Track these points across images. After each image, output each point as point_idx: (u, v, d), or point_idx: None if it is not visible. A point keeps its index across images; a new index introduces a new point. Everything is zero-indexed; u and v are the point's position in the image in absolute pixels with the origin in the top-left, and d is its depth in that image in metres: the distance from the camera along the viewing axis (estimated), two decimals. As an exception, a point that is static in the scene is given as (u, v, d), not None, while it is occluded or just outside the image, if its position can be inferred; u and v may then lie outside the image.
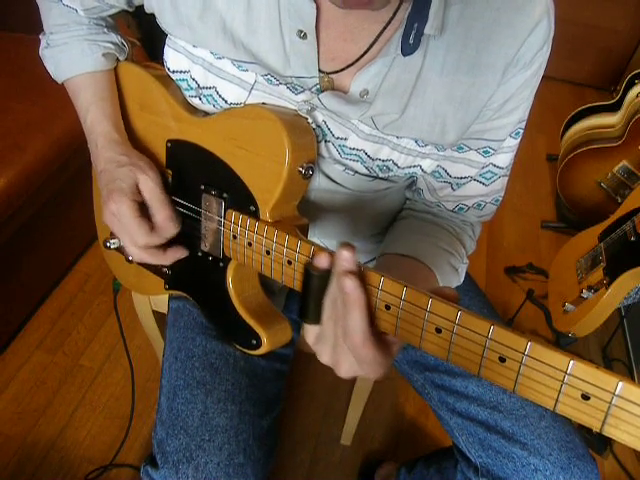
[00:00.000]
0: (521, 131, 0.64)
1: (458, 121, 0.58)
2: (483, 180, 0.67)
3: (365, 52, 0.54)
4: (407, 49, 0.52)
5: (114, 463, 1.17)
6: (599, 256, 1.35)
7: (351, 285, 0.43)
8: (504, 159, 0.65)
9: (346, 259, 0.43)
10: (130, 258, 0.69)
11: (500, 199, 0.71)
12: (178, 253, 0.66)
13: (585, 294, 1.34)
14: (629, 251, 1.26)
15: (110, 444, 1.24)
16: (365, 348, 0.44)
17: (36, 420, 1.27)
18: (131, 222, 0.60)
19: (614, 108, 1.90)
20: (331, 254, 0.46)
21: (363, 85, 0.56)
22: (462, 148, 0.63)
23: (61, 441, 1.24)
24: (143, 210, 0.62)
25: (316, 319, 0.48)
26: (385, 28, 0.53)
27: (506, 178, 0.69)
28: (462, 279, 0.69)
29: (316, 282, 0.47)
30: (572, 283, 1.42)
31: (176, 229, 0.63)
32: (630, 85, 1.88)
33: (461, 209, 0.70)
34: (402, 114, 0.57)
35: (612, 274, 1.27)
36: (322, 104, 0.57)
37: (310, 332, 0.49)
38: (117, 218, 0.61)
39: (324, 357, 0.48)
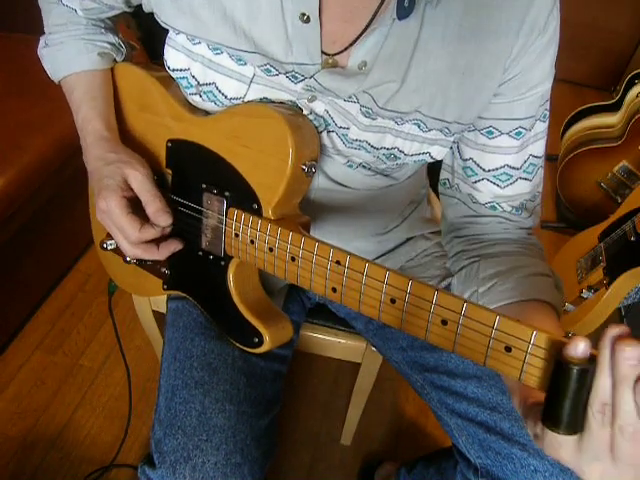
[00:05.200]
0: (547, 113, 0.63)
1: (462, 93, 0.58)
2: (527, 175, 0.66)
3: (365, 29, 0.54)
4: (402, 12, 0.51)
5: (114, 463, 1.17)
6: (599, 256, 1.35)
7: None
8: (540, 147, 0.65)
9: (636, 357, 0.33)
10: (128, 258, 0.69)
11: (538, 195, 0.69)
12: (172, 247, 0.66)
13: (585, 294, 1.34)
14: (629, 251, 1.26)
15: (110, 444, 1.24)
16: None
17: (36, 420, 1.27)
18: (121, 218, 0.60)
19: (614, 108, 1.90)
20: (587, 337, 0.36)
21: (361, 57, 0.56)
22: (492, 132, 0.62)
23: (61, 441, 1.24)
24: (134, 206, 0.61)
25: (572, 427, 0.37)
26: (382, 3, 0.52)
27: (542, 170, 0.68)
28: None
29: (574, 378, 0.36)
30: (572, 283, 1.43)
31: (169, 221, 0.62)
32: (630, 85, 1.87)
33: (518, 210, 0.68)
34: (402, 84, 0.57)
35: (612, 274, 1.27)
36: (318, 83, 0.57)
37: (566, 445, 0.38)
38: (107, 215, 0.61)
39: (596, 475, 0.38)
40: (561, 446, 0.38)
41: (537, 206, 0.70)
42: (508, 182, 0.66)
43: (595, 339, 0.36)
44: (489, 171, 0.65)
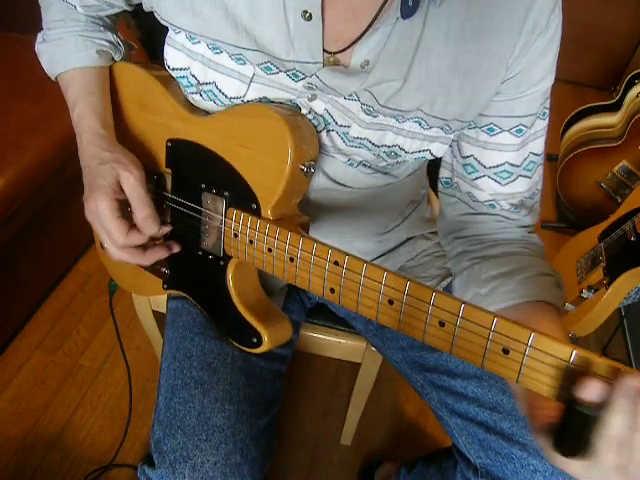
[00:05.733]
0: (547, 111, 0.63)
1: (463, 92, 0.58)
2: (527, 173, 0.66)
3: (368, 27, 0.53)
4: (406, 11, 0.51)
5: (114, 463, 1.17)
6: (599, 256, 1.35)
7: None
8: (540, 145, 0.65)
9: None
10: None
11: (537, 192, 0.70)
12: (157, 254, 0.65)
13: (585, 294, 1.34)
14: (629, 251, 1.26)
15: (110, 444, 1.24)
16: None
17: (36, 420, 1.27)
18: (110, 222, 0.59)
19: (614, 108, 1.90)
20: (603, 379, 0.37)
21: (364, 56, 0.56)
22: (493, 130, 0.62)
23: (61, 441, 1.24)
24: (125, 209, 0.61)
25: (581, 454, 0.39)
26: (385, 2, 0.52)
27: (542, 167, 0.68)
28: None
29: (584, 420, 0.38)
30: (572, 283, 1.42)
31: (155, 229, 0.62)
32: (630, 85, 1.87)
33: (516, 208, 0.68)
34: (404, 83, 0.57)
35: (612, 274, 1.27)
36: (320, 80, 0.56)
37: (574, 464, 0.41)
38: (96, 217, 0.60)
39: None
40: (569, 464, 0.41)
41: (536, 204, 0.70)
42: (508, 179, 0.66)
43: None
44: (490, 168, 0.65)
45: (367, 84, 0.56)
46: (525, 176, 0.66)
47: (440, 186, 0.74)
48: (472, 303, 0.44)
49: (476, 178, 0.67)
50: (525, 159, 0.65)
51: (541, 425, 0.45)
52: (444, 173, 0.72)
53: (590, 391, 0.37)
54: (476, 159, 0.65)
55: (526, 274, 0.61)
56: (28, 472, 1.18)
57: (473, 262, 0.67)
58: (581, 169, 1.85)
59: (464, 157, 0.66)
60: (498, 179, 0.66)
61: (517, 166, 0.65)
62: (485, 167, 0.65)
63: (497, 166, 0.65)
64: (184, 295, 0.73)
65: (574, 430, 0.38)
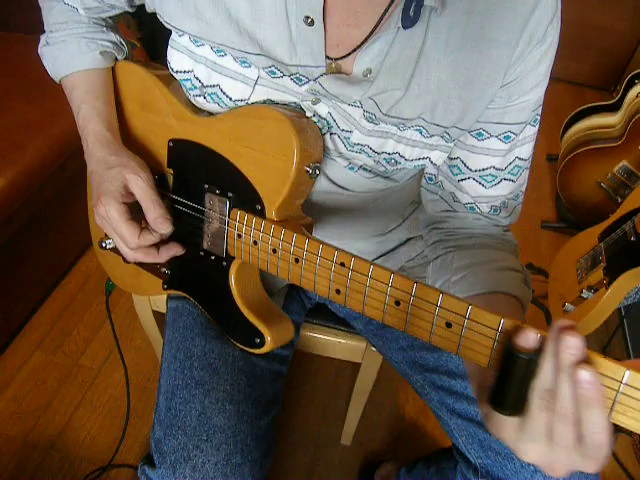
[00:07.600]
0: (538, 117, 0.64)
1: (463, 100, 0.58)
2: (511, 177, 0.66)
3: (369, 35, 0.54)
4: (407, 22, 0.51)
5: (114, 463, 1.17)
6: (599, 256, 1.35)
7: (589, 380, 0.35)
8: (527, 150, 0.65)
9: (575, 347, 0.36)
10: (128, 258, 0.69)
11: (521, 194, 0.70)
12: (172, 251, 0.66)
13: (585, 294, 1.34)
14: (629, 251, 1.26)
15: (110, 444, 1.24)
16: (607, 446, 0.37)
17: (36, 420, 1.27)
18: (120, 225, 0.60)
19: (614, 108, 1.90)
20: (537, 330, 0.39)
21: (366, 64, 0.56)
22: (482, 135, 0.63)
23: (61, 441, 1.24)
24: (134, 211, 0.61)
25: (515, 409, 0.40)
26: (387, 9, 0.52)
27: (527, 171, 0.68)
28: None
29: (522, 366, 0.39)
30: (572, 283, 1.42)
31: (169, 229, 0.62)
32: (630, 85, 1.87)
33: (495, 211, 0.69)
34: (406, 91, 0.57)
35: (612, 274, 1.27)
36: (323, 88, 0.57)
37: (508, 425, 0.41)
38: (107, 221, 0.61)
39: (532, 455, 0.41)
40: (504, 426, 0.41)
41: (518, 205, 0.71)
42: (493, 183, 0.66)
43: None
44: (475, 171, 0.66)
45: (371, 93, 0.57)
46: (509, 179, 0.66)
47: (424, 181, 0.74)
48: (476, 304, 0.44)
49: (461, 180, 0.67)
50: (510, 163, 0.65)
51: (483, 389, 0.45)
52: (430, 169, 0.72)
53: (525, 337, 0.39)
54: (462, 161, 0.66)
55: (495, 266, 0.62)
56: (28, 472, 1.19)
57: (447, 250, 0.69)
58: (581, 169, 1.85)
59: (451, 159, 0.67)
60: (483, 182, 0.66)
61: (502, 170, 0.65)
62: (470, 170, 0.66)
63: (483, 170, 0.65)
64: (184, 295, 0.73)
65: (510, 379, 0.39)
